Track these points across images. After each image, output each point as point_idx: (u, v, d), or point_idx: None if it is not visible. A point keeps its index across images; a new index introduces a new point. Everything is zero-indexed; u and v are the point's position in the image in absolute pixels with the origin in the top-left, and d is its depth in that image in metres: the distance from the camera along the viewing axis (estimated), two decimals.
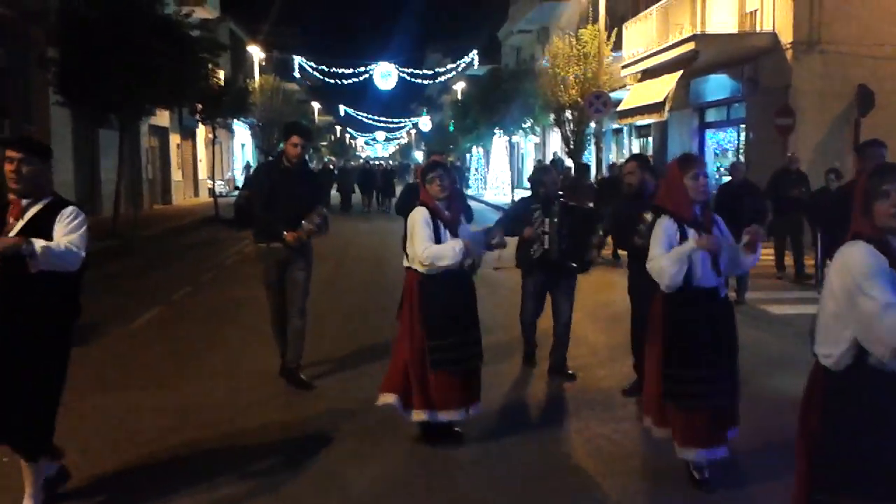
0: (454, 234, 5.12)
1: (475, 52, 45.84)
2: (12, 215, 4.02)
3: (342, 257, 14.69)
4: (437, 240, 5.03)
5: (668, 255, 4.40)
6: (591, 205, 13.62)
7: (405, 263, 5.24)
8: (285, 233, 6.18)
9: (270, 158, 7.24)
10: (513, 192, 31.80)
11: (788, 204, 12.00)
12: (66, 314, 4.12)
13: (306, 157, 6.73)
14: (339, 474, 4.81)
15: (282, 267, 6.41)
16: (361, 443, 5.34)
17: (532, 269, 6.84)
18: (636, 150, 26.52)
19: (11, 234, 3.92)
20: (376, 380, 6.58)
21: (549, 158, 25.56)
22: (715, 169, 20.07)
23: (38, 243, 3.78)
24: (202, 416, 5.81)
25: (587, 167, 13.38)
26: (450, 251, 4.97)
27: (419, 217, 5.10)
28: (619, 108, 21.59)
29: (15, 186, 4.02)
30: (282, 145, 6.34)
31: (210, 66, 22.40)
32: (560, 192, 7.00)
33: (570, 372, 6.94)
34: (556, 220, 6.59)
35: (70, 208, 4.15)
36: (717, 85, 19.58)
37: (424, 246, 4.99)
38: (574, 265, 6.71)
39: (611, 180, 15.28)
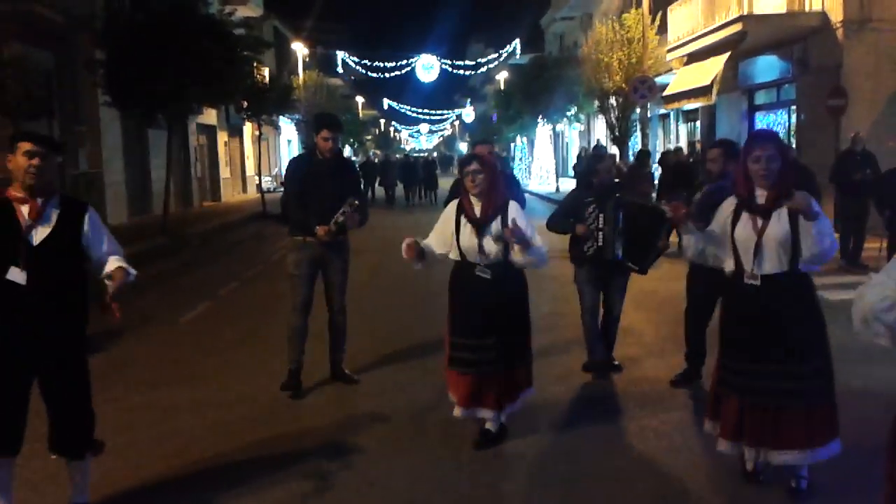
0: (479, 234, 4.85)
1: (517, 40, 45.50)
2: (29, 215, 3.82)
3: (380, 255, 14.72)
4: (457, 236, 4.91)
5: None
6: (654, 195, 13.31)
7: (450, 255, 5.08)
8: (318, 227, 5.97)
9: (304, 152, 7.15)
10: (557, 180, 31.56)
11: (853, 186, 11.63)
12: (86, 310, 4.12)
13: (341, 149, 6.61)
14: (382, 475, 4.72)
15: (315, 264, 6.23)
16: (402, 441, 5.28)
17: (584, 262, 6.36)
18: (683, 135, 26.09)
19: (36, 235, 3.83)
20: (420, 376, 6.65)
21: (592, 146, 25.19)
22: None
23: (129, 269, 4.04)
24: (244, 412, 5.85)
25: (648, 154, 12.95)
26: (433, 248, 5.04)
27: (447, 209, 5.05)
28: (664, 93, 21.21)
29: (33, 182, 3.80)
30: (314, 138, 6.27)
31: (255, 63, 22.70)
32: (617, 181, 6.60)
33: (616, 363, 6.73)
34: (612, 215, 6.00)
35: (94, 213, 4.07)
36: (766, 66, 19.09)
37: (428, 238, 5.06)
38: (633, 266, 6.12)
39: (677, 166, 14.82)
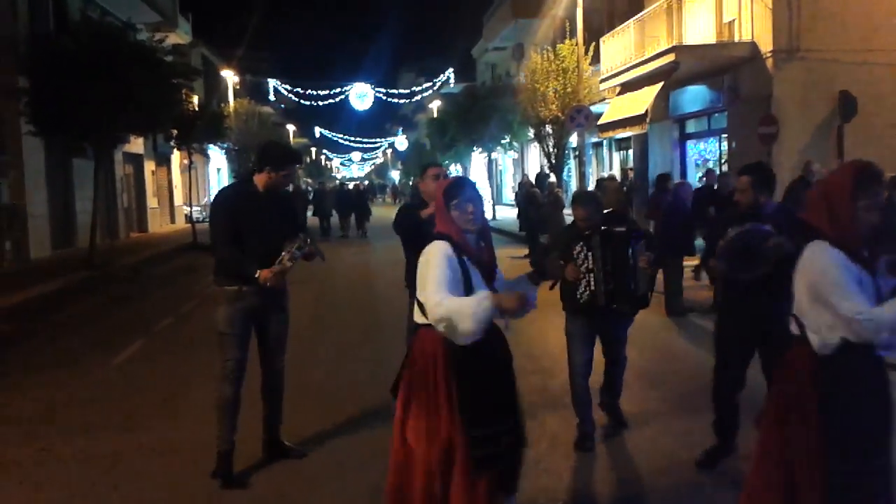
0: (489, 283, 3.68)
1: (451, 70, 45.81)
2: None
3: (323, 291, 14.33)
4: (468, 288, 3.55)
5: (889, 303, 3.07)
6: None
7: (417, 319, 3.66)
8: (259, 272, 4.89)
9: (234, 183, 5.98)
10: (493, 208, 31.64)
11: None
12: None
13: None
14: None
15: (252, 318, 5.13)
16: None
17: (577, 312, 5.47)
18: (616, 163, 26.52)
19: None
20: (383, 448, 5.21)
21: (536, 173, 25.31)
22: (697, 179, 20.03)
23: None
24: (190, 458, 5.47)
25: (668, 177, 11.87)
26: (473, 308, 3.38)
27: (438, 252, 3.56)
28: (599, 122, 21.51)
29: None
30: (258, 171, 5.13)
31: (184, 91, 22.17)
32: (609, 211, 5.78)
33: (623, 419, 5.88)
34: (600, 252, 5.28)
35: None
36: (696, 96, 19.54)
37: (439, 297, 3.42)
38: (626, 308, 5.39)
39: (710, 191, 12.59)
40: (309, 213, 29.91)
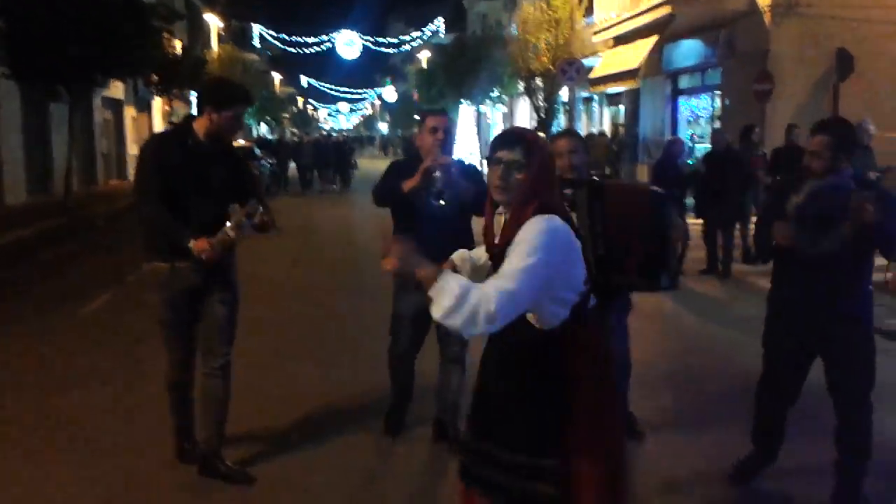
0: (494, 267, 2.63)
1: (441, 19, 44.86)
2: None
3: (296, 258, 13.91)
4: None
5: None
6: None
7: (540, 321, 2.55)
8: (192, 242, 3.93)
9: (169, 131, 4.81)
10: (481, 163, 31.18)
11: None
12: None
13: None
14: None
15: (191, 298, 4.17)
16: None
17: None
18: (607, 119, 26.08)
19: None
20: (358, 456, 4.59)
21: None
22: (688, 136, 19.68)
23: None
24: (146, 421, 5.16)
25: (753, 128, 11.36)
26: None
27: (559, 234, 2.49)
28: (591, 76, 21.02)
29: None
30: (198, 114, 4.16)
31: (165, 34, 21.53)
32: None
33: (638, 429, 4.88)
34: (586, 211, 3.59)
35: None
36: (690, 50, 19.06)
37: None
38: (646, 285, 3.67)
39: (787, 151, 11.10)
40: (292, 165, 29.25)
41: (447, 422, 4.72)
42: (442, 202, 4.16)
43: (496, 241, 2.62)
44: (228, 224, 4.01)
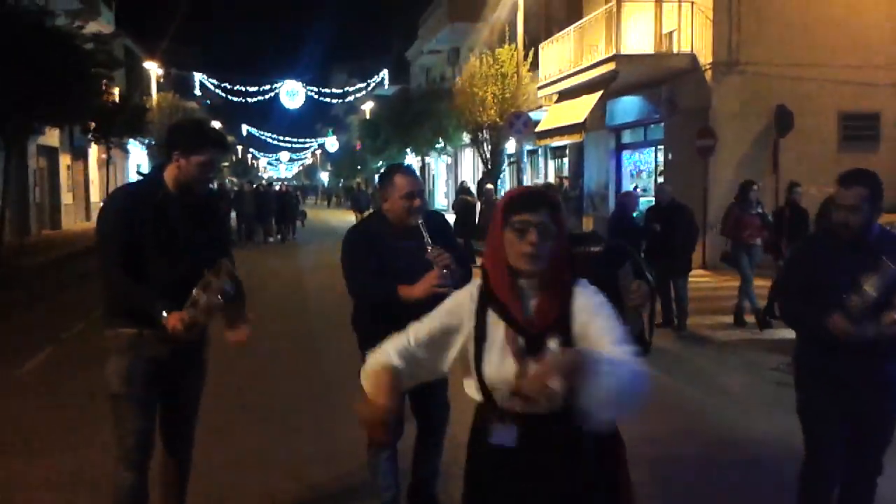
0: (530, 352, 2.26)
1: (386, 71, 45.20)
2: None
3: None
4: (478, 357, 2.35)
5: None
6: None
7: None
8: (165, 313, 3.36)
9: (139, 179, 4.14)
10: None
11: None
12: None
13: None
14: None
15: (157, 373, 3.60)
16: None
17: None
18: (552, 171, 26.38)
19: None
20: None
21: (468, 179, 24.90)
22: (632, 188, 19.99)
23: None
24: (96, 494, 4.77)
25: (751, 184, 10.61)
26: (406, 355, 2.44)
27: (451, 299, 2.48)
28: (537, 129, 21.27)
29: None
30: (166, 160, 3.67)
31: (104, 82, 21.12)
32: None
33: None
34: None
35: None
36: (633, 106, 19.51)
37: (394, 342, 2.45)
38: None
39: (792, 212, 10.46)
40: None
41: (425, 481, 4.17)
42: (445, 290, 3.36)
43: (530, 320, 2.27)
44: (196, 292, 3.38)
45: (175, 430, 3.81)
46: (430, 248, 3.58)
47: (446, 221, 4.14)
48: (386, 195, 3.86)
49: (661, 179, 18.67)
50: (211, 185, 4.07)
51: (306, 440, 5.77)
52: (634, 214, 11.02)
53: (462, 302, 2.39)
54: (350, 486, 4.79)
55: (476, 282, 2.43)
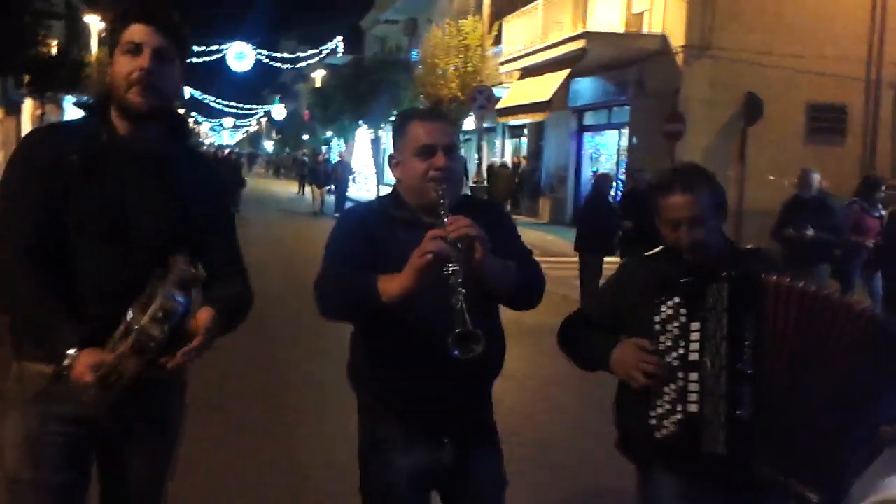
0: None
1: (340, 39, 43.92)
2: None
3: None
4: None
5: None
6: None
7: None
8: (72, 351, 2.01)
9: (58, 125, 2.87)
10: (378, 188, 30.42)
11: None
12: None
13: (180, 116, 2.51)
14: None
15: (82, 442, 2.21)
16: None
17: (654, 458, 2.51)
18: (508, 151, 25.87)
19: None
20: None
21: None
22: (591, 172, 19.56)
23: None
24: None
25: (880, 182, 9.14)
26: None
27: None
28: (499, 106, 20.67)
29: None
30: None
31: (41, 33, 19.84)
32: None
33: None
34: (720, 325, 2.32)
35: None
36: (598, 87, 19.04)
37: None
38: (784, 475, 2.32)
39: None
40: None
41: None
42: (461, 298, 2.05)
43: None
44: (141, 312, 2.02)
45: None
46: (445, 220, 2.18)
47: (505, 216, 2.71)
48: (398, 157, 2.45)
49: (622, 163, 18.33)
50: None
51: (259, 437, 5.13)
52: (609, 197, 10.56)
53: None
54: None
55: None
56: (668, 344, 2.35)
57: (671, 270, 2.43)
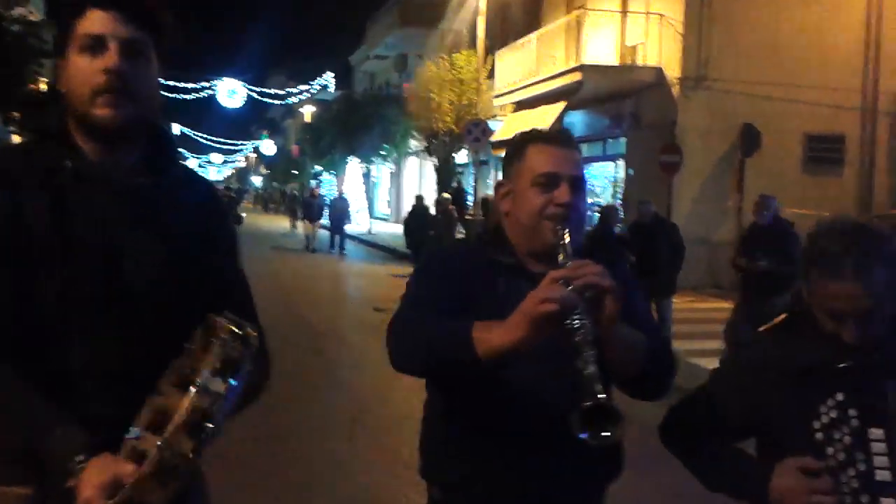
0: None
1: (331, 74, 44.08)
2: None
3: None
4: None
5: None
6: None
7: None
8: (80, 458, 1.44)
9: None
10: (370, 222, 30.33)
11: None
12: None
13: (171, 135, 1.89)
14: None
15: None
16: None
17: None
18: None
19: None
20: None
21: (411, 188, 24.08)
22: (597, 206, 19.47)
23: None
24: None
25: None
26: None
27: None
28: (494, 139, 20.65)
29: None
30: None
31: (33, 71, 19.72)
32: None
33: None
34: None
35: None
36: (592, 119, 19.06)
37: None
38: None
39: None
40: None
41: None
42: (591, 361, 1.59)
43: None
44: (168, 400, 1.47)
45: None
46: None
47: (629, 270, 2.42)
48: (509, 186, 1.99)
49: (618, 195, 18.26)
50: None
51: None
52: (616, 230, 10.42)
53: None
54: None
55: None
56: (841, 458, 1.77)
57: (815, 352, 1.84)
